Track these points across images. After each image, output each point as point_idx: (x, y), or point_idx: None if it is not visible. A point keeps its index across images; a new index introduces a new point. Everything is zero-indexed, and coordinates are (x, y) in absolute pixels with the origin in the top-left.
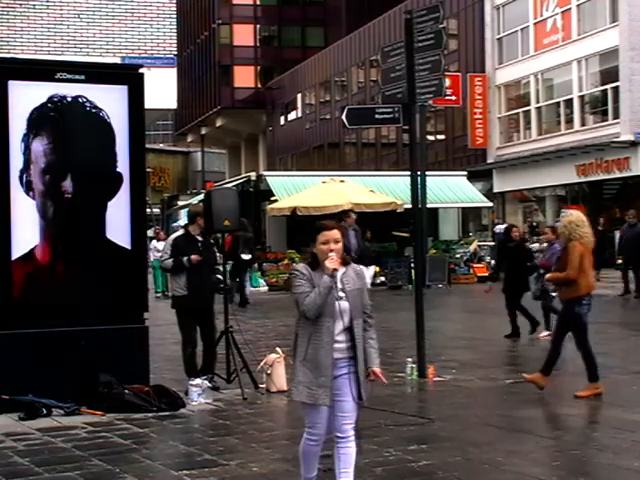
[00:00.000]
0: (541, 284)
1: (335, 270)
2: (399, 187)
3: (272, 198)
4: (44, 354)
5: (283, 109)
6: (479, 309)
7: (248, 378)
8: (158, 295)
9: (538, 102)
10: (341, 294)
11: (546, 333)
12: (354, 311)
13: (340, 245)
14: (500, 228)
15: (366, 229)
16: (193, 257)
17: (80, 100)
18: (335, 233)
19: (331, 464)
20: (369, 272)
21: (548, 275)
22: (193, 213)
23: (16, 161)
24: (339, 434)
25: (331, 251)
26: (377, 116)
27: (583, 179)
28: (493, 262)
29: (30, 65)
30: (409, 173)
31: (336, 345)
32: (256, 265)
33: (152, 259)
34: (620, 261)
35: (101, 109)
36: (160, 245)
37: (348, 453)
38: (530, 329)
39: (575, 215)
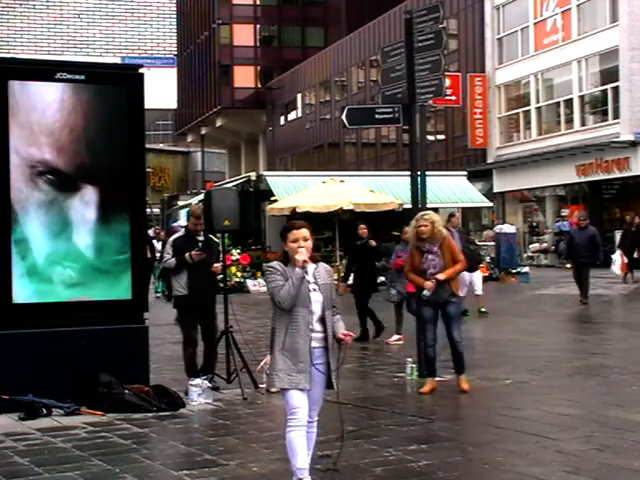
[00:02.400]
0: (393, 286)
1: (305, 262)
2: (399, 187)
3: (272, 198)
4: (44, 354)
5: (283, 109)
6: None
7: (248, 378)
8: (158, 295)
9: (538, 102)
10: (314, 286)
11: (397, 337)
12: (326, 302)
13: (309, 243)
14: (500, 228)
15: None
16: (194, 253)
17: None
18: (304, 232)
19: (331, 464)
20: (477, 278)
21: (448, 272)
22: (188, 212)
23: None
24: (309, 420)
25: (300, 247)
26: (377, 116)
27: (583, 179)
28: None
29: (30, 65)
30: (409, 173)
31: (315, 335)
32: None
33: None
34: (569, 265)
35: None
36: (159, 245)
37: (311, 437)
38: (374, 333)
39: (435, 215)
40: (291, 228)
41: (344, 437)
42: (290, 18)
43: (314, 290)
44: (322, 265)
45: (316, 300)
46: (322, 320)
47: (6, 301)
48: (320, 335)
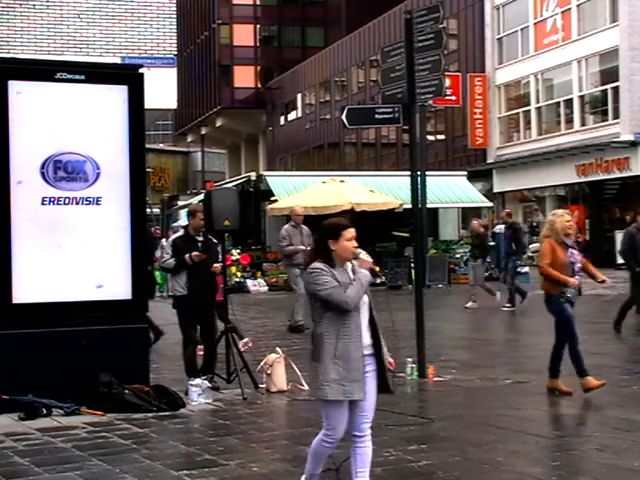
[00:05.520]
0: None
1: (373, 263)
2: (399, 187)
3: (272, 198)
4: (44, 354)
5: (283, 109)
6: (479, 309)
7: (248, 378)
8: (158, 295)
9: (538, 102)
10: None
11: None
12: (372, 304)
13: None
14: (500, 228)
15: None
16: (194, 254)
17: None
18: (354, 230)
19: (331, 464)
20: None
21: (594, 269)
22: (188, 212)
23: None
24: (357, 433)
25: (355, 247)
26: (377, 116)
27: (583, 179)
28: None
29: (30, 65)
30: (409, 173)
31: (365, 341)
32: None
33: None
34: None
35: None
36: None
37: (365, 452)
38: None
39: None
40: (346, 226)
41: (344, 437)
42: (290, 18)
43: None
44: (354, 264)
45: (363, 302)
46: (371, 322)
47: (6, 301)
48: (369, 341)
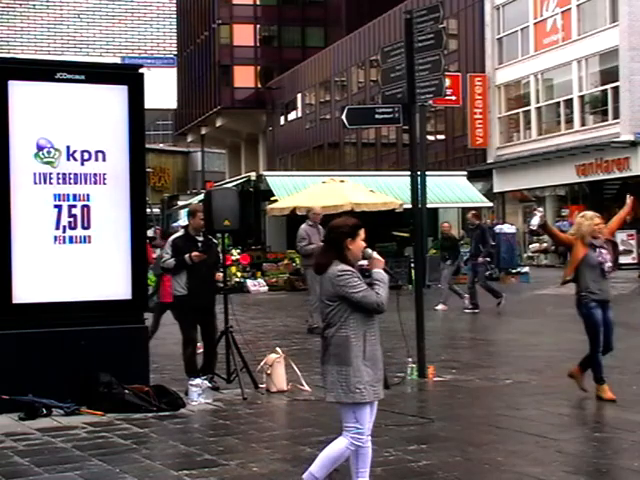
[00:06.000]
0: None
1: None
2: (399, 187)
3: (272, 198)
4: (44, 354)
5: (283, 109)
6: (479, 309)
7: (248, 378)
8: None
9: (538, 102)
10: None
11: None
12: None
13: None
14: (500, 228)
15: None
16: (194, 254)
17: None
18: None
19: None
20: None
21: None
22: (188, 212)
23: (16, 161)
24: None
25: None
26: (377, 116)
27: (583, 179)
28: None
29: (30, 65)
30: (409, 173)
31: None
32: None
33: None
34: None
35: None
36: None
37: (367, 453)
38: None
39: None
40: (360, 225)
41: None
42: (290, 18)
43: None
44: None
45: None
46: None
47: (6, 301)
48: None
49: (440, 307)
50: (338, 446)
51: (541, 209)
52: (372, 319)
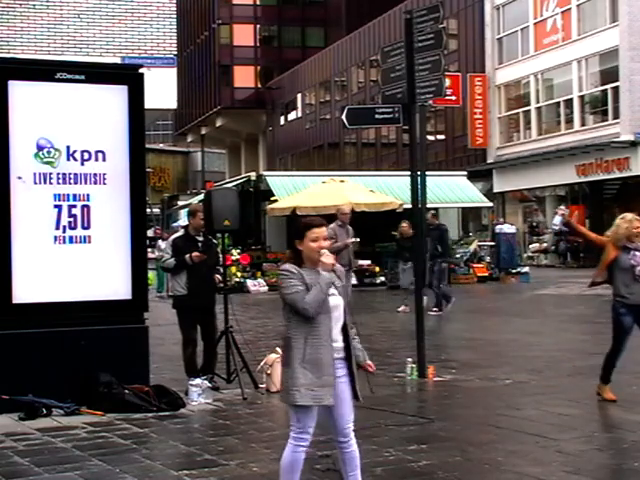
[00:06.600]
0: None
1: (333, 265)
2: (399, 187)
3: (272, 198)
4: (44, 354)
5: (283, 109)
6: (479, 309)
7: (248, 378)
8: (159, 295)
9: (538, 102)
10: (333, 290)
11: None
12: (346, 307)
13: (329, 242)
14: (500, 228)
15: None
16: (194, 254)
17: None
18: (324, 230)
19: (331, 464)
20: None
21: None
22: (188, 212)
23: (16, 161)
24: (341, 438)
25: (321, 247)
26: (377, 116)
27: (583, 179)
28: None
29: (30, 65)
30: (409, 173)
31: (336, 345)
32: None
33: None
34: None
35: None
36: (163, 245)
37: (352, 456)
38: None
39: None
40: (311, 226)
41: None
42: (290, 18)
43: (333, 294)
44: (337, 266)
45: (336, 305)
46: (344, 327)
47: (6, 301)
48: (341, 345)
49: (402, 308)
50: (286, 451)
51: (563, 207)
52: (316, 321)
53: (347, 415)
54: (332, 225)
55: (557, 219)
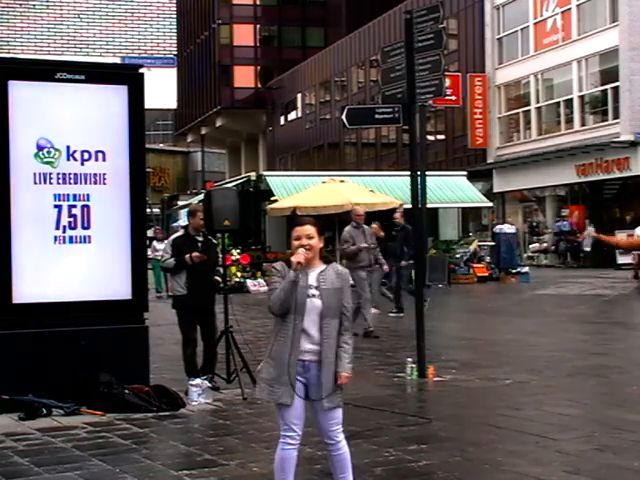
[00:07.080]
0: None
1: (299, 264)
2: (399, 187)
3: (272, 198)
4: (44, 354)
5: (283, 109)
6: (479, 309)
7: (248, 378)
8: (159, 295)
9: (538, 102)
10: (314, 292)
11: None
12: (326, 311)
13: (315, 241)
14: (500, 228)
15: None
16: (194, 254)
17: None
18: (308, 229)
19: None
20: None
21: None
22: (188, 212)
23: (16, 160)
24: (327, 440)
25: (302, 246)
26: (377, 116)
27: (583, 179)
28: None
29: (30, 65)
30: (409, 173)
31: (308, 346)
32: None
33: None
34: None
35: None
36: (160, 245)
37: (341, 459)
38: None
39: None
40: (295, 224)
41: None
42: (290, 18)
43: (313, 296)
44: (333, 267)
45: (313, 307)
46: (320, 330)
47: (6, 301)
48: (314, 347)
49: (373, 311)
50: (277, 450)
51: (591, 228)
52: (285, 320)
53: (335, 417)
54: (347, 228)
55: (586, 242)
